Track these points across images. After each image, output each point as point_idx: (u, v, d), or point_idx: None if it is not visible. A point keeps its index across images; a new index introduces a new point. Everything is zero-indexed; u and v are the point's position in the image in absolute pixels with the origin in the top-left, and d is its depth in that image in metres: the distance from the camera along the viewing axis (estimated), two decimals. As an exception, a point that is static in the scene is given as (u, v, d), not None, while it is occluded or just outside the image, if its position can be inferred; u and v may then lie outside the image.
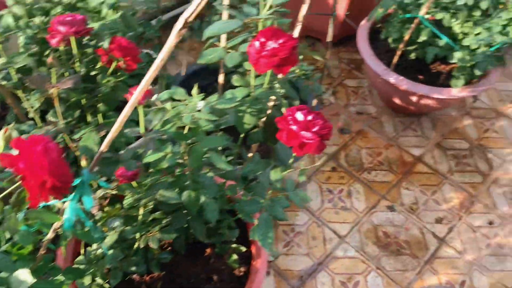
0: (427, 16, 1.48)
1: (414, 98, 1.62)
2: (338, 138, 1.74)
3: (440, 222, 1.52)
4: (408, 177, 1.63)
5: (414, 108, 1.72)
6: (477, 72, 1.41)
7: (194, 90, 0.79)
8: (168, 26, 2.01)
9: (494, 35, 1.37)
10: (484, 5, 1.38)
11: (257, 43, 0.81)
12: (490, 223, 1.53)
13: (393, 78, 1.56)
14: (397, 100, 1.70)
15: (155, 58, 1.23)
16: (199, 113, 0.76)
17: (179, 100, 0.82)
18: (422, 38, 1.45)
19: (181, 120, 0.75)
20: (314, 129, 0.80)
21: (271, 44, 0.80)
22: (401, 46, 1.51)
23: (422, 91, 1.54)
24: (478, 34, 1.40)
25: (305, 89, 1.28)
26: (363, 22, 1.75)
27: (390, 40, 1.55)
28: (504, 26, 1.38)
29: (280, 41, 0.80)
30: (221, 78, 1.02)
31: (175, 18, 2.13)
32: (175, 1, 1.85)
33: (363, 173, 1.64)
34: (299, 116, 0.81)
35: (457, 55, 1.42)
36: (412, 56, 1.55)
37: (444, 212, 1.54)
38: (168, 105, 0.77)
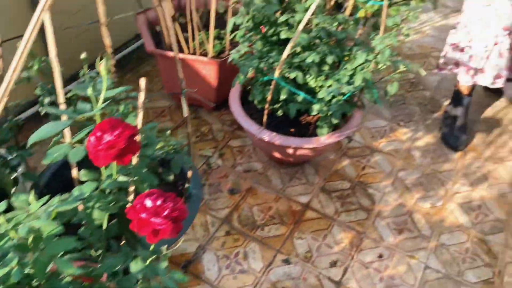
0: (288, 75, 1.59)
1: (290, 151, 1.70)
2: (229, 200, 1.76)
3: (335, 265, 1.57)
4: (299, 227, 1.68)
5: (293, 159, 1.80)
6: (335, 121, 1.53)
7: (31, 197, 0.76)
8: (28, 122, 1.94)
9: (343, 85, 1.50)
10: (330, 60, 1.52)
11: (92, 138, 0.81)
12: (380, 256, 1.61)
13: (267, 135, 1.64)
14: (277, 155, 1.78)
15: (10, 160, 1.17)
16: (38, 220, 0.73)
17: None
18: (283, 96, 1.55)
19: (17, 232, 0.72)
20: (164, 214, 0.80)
21: (107, 137, 0.80)
22: (266, 106, 1.61)
23: (294, 144, 1.63)
24: (330, 86, 1.53)
25: (176, 162, 1.29)
26: (233, 87, 1.83)
27: (256, 101, 1.64)
28: (351, 76, 1.53)
29: (116, 132, 0.81)
30: (74, 173, 1.00)
31: (33, 117, 2.06)
32: (25, 101, 1.81)
33: (257, 230, 1.66)
34: (148, 202, 0.81)
35: (316, 107, 1.53)
36: (280, 113, 1.65)
37: (337, 255, 1.60)
38: (1, 219, 0.73)
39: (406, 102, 2.34)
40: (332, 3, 1.99)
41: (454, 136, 2.08)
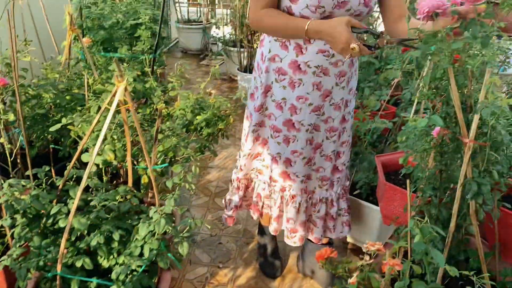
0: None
1: None
2: None
3: None
4: None
5: None
6: (133, 300, 1.46)
7: None
8: None
9: (135, 258, 1.47)
10: (116, 236, 1.49)
11: None
12: None
13: (67, 335, 1.46)
14: None
15: None
16: None
17: None
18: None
19: None
20: None
21: None
22: (58, 303, 1.46)
23: (101, 334, 1.49)
24: (123, 263, 1.48)
25: None
26: None
27: (46, 301, 1.48)
28: (142, 247, 1.51)
29: None
30: None
31: None
32: None
33: None
34: None
35: (113, 289, 1.45)
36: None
37: None
38: None
39: (222, 241, 2.41)
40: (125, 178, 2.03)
41: (269, 263, 2.17)
